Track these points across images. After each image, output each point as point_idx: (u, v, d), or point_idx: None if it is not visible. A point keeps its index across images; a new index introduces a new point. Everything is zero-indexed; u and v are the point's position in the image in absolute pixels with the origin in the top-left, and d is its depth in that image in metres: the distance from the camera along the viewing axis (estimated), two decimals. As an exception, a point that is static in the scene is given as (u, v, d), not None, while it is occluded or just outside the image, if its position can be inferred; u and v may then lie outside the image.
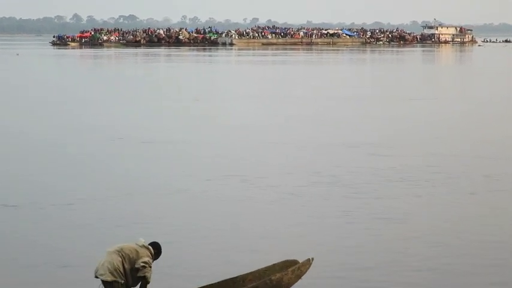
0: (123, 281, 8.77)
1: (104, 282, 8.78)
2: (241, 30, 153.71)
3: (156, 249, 9.08)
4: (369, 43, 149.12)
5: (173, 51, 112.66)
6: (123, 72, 63.60)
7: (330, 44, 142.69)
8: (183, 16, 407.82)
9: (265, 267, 9.64)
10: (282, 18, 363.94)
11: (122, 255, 8.80)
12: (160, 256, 9.24)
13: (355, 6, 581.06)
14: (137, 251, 8.87)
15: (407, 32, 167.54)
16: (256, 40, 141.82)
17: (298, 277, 9.26)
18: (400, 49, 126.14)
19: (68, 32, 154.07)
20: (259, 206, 15.31)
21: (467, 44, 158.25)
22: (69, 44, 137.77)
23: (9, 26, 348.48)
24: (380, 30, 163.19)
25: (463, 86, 49.20)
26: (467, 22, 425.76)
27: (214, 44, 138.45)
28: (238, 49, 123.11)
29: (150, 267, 8.87)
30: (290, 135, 25.16)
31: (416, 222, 14.02)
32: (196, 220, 14.21)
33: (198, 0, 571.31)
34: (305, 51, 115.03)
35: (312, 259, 9.46)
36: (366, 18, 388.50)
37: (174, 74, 61.04)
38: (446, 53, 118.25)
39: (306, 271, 9.34)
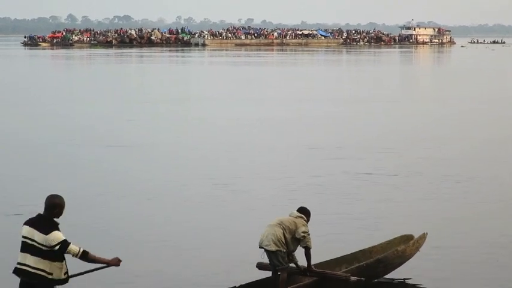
0: (284, 250, 9.81)
1: (268, 252, 9.82)
2: (214, 30, 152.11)
3: (306, 214, 10.08)
4: (347, 44, 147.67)
5: (144, 52, 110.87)
6: (86, 74, 61.99)
7: (301, 45, 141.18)
8: (177, 17, 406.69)
9: (387, 241, 11.00)
10: (276, 19, 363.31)
11: (283, 227, 9.84)
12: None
13: (351, 7, 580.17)
14: (295, 222, 9.91)
15: (385, 32, 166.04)
16: (229, 41, 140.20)
17: (417, 249, 10.70)
18: (377, 50, 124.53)
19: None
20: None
21: (445, 45, 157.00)
22: (40, 45, 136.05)
23: (4, 27, 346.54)
24: (356, 31, 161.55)
25: (435, 89, 48.12)
26: (463, 23, 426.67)
27: (187, 44, 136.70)
28: (211, 50, 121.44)
29: (309, 234, 9.93)
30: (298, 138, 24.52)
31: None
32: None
33: (194, 0, 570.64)
34: (277, 53, 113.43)
35: (426, 233, 10.82)
36: (361, 19, 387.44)
37: (142, 76, 59.49)
38: (423, 54, 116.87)
39: (423, 244, 10.76)
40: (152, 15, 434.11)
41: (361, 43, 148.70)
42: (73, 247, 7.79)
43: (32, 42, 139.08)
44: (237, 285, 9.89)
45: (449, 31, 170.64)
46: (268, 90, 44.60)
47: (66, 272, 7.90)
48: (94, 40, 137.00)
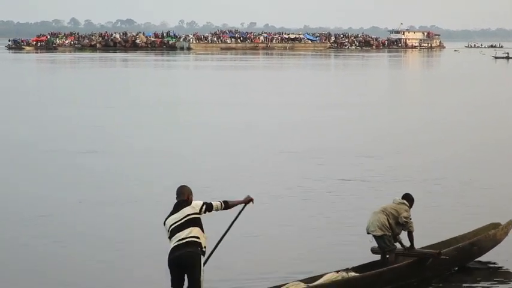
0: (390, 233, 10.78)
1: (375, 237, 10.85)
2: (199, 34, 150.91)
3: (409, 200, 11.02)
4: (335, 48, 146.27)
5: (129, 56, 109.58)
6: (67, 78, 60.69)
7: (286, 48, 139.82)
8: (180, 21, 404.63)
9: (478, 229, 11.91)
10: (279, 23, 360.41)
11: (386, 213, 10.81)
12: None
13: (354, 11, 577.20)
14: (397, 208, 10.87)
15: (373, 36, 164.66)
16: (214, 44, 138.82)
17: (506, 234, 11.70)
18: (366, 54, 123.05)
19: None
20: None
21: (435, 49, 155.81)
22: (24, 48, 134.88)
23: (7, 30, 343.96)
24: (344, 35, 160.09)
25: (416, 94, 47.15)
26: (465, 27, 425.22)
27: (172, 48, 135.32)
28: (196, 54, 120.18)
29: (411, 219, 10.87)
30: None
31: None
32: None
33: (196, 4, 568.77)
34: (263, 57, 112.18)
35: None
36: (363, 23, 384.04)
37: (125, 80, 58.16)
38: (411, 59, 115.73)
39: (510, 229, 11.78)
40: (155, 19, 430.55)
41: (353, 47, 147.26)
42: (214, 203, 8.95)
43: (16, 45, 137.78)
44: (350, 267, 10.61)
45: (438, 35, 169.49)
46: (253, 94, 43.79)
47: (205, 247, 8.70)
48: (78, 44, 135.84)
